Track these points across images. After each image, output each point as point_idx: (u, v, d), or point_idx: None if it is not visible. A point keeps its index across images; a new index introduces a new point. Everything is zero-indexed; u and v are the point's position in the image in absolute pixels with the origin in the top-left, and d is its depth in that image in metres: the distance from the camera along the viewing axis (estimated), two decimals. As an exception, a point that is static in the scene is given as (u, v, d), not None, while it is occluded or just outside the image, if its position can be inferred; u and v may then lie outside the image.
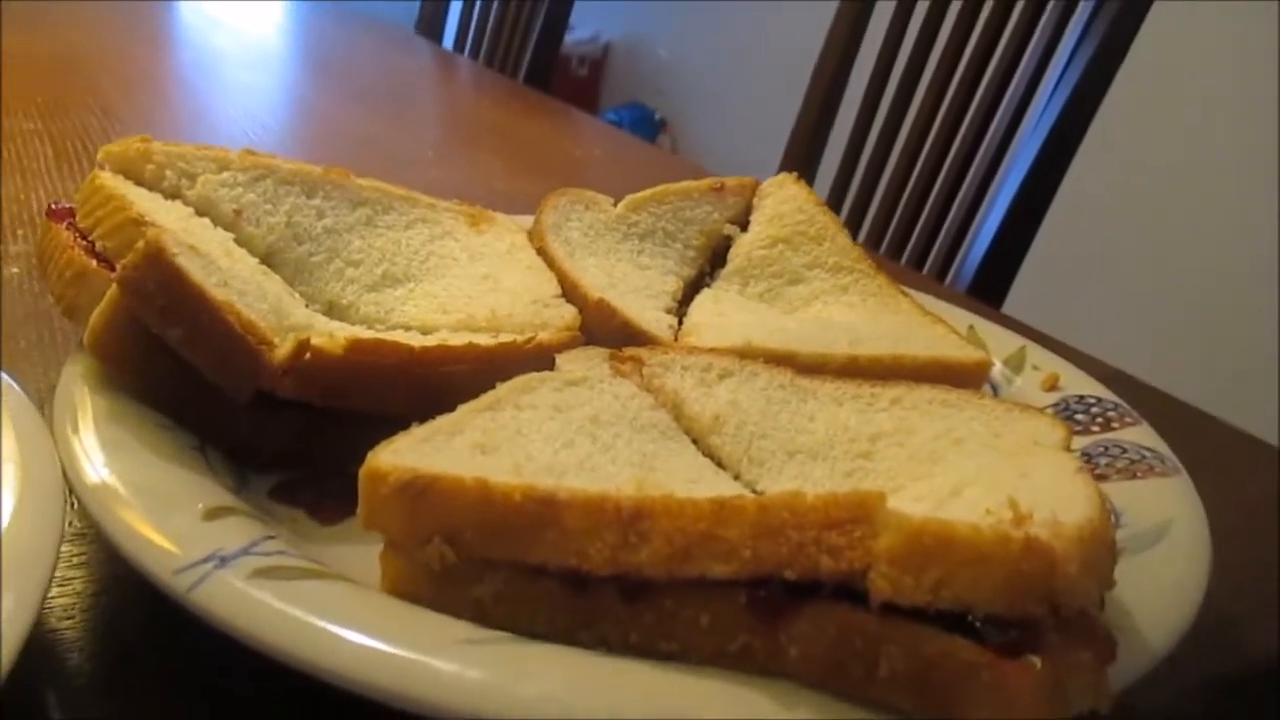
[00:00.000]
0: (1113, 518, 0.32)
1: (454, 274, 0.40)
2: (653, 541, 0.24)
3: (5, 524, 0.25)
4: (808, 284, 0.45)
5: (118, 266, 0.31)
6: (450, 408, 0.30)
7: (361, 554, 0.27)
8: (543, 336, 0.36)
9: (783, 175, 0.51)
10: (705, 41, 3.40)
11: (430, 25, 1.57)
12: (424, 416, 0.29)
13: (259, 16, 1.35)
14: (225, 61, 1.09)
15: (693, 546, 0.24)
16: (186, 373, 0.30)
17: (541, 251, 0.42)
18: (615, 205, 0.47)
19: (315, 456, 0.32)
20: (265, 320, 0.32)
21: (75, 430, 0.29)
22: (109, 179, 0.36)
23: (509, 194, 0.49)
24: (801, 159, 1.06)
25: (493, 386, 0.32)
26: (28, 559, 0.24)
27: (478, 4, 1.52)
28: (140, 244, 0.30)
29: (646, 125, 3.21)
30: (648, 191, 0.47)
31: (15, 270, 0.48)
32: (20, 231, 0.51)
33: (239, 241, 0.37)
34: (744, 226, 0.48)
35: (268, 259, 0.38)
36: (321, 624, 0.23)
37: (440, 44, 1.49)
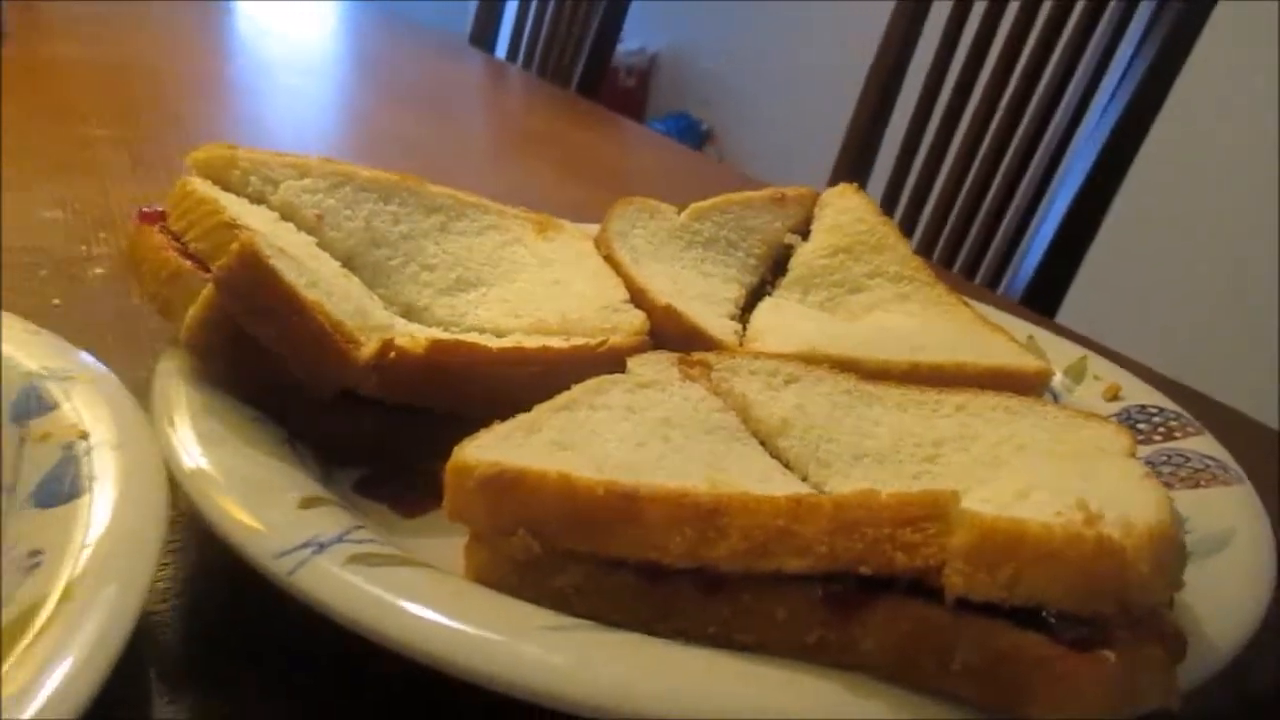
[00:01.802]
0: (1177, 524, 0.32)
1: (524, 279, 0.42)
2: (730, 537, 0.25)
3: (111, 512, 0.26)
4: (869, 292, 0.46)
5: (213, 268, 0.32)
6: (524, 408, 0.31)
7: (444, 545, 0.28)
8: (614, 340, 0.37)
9: (843, 185, 0.52)
10: (751, 52, 3.40)
11: (482, 35, 1.60)
12: (498, 415, 0.30)
13: (311, 22, 1.38)
14: (279, 67, 1.12)
15: (770, 542, 0.25)
16: (277, 369, 0.32)
17: (608, 258, 0.43)
18: (679, 214, 0.48)
19: (396, 452, 0.34)
20: (351, 320, 0.33)
21: (172, 423, 0.30)
22: (198, 184, 0.38)
23: (563, 201, 0.50)
24: (853, 166, 1.07)
25: (565, 388, 0.33)
26: (134, 546, 0.25)
27: (530, 15, 1.54)
28: (234, 246, 0.32)
29: (692, 135, 3.23)
30: (710, 201, 0.48)
31: (100, 271, 0.49)
32: (102, 234, 0.53)
33: (321, 245, 0.38)
34: (805, 236, 0.49)
35: (348, 262, 0.39)
36: (414, 608, 0.24)
37: (493, 54, 1.51)
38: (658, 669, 0.24)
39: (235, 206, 0.37)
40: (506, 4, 1.61)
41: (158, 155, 0.69)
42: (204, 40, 1.20)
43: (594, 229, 0.46)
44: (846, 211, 0.50)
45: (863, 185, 0.52)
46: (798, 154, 3.29)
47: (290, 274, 0.31)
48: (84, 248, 0.51)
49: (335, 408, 0.32)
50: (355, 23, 1.45)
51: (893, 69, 1.05)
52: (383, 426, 0.33)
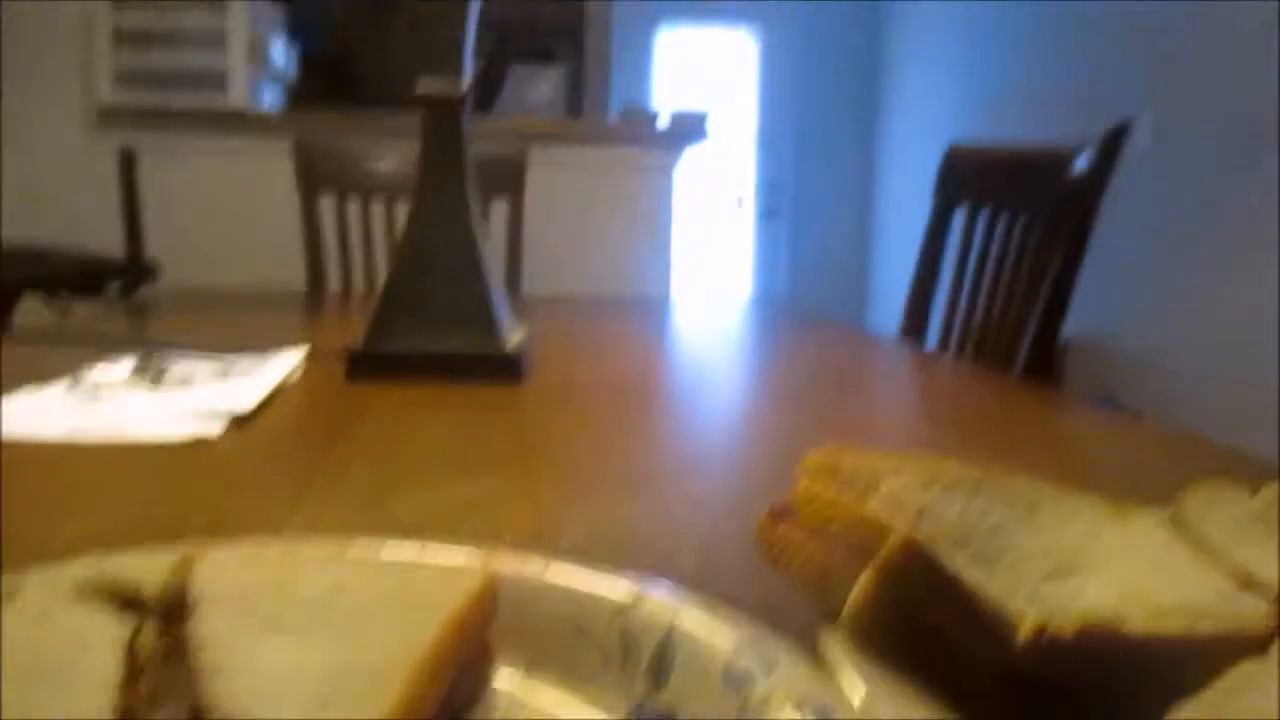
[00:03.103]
0: None
1: (1121, 564, 0.43)
2: None
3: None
4: None
5: (876, 557, 0.37)
6: (1167, 689, 0.32)
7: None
8: (1250, 625, 0.37)
9: None
10: (1171, 330, 3.28)
11: (912, 330, 1.68)
12: (1139, 698, 0.31)
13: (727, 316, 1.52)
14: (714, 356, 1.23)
15: None
16: (939, 649, 0.35)
17: (1199, 541, 0.44)
18: (1251, 496, 0.48)
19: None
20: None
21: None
22: (822, 483, 0.44)
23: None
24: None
25: (1192, 672, 0.34)
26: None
27: (962, 304, 1.61)
28: (894, 539, 0.36)
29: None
30: (1285, 485, 0.48)
31: (691, 561, 0.56)
32: (679, 528, 0.60)
33: (929, 538, 0.43)
34: (1400, 520, 0.47)
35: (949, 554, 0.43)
36: None
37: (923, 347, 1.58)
38: None
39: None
40: (934, 298, 1.69)
41: (688, 461, 0.79)
42: (636, 332, 1.35)
43: (1160, 514, 0.47)
44: None
45: None
46: (1236, 423, 3.06)
47: (950, 561, 0.36)
48: (669, 540, 0.59)
49: (997, 685, 0.35)
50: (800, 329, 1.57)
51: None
52: (1038, 706, 0.36)
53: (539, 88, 5.89)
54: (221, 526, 0.56)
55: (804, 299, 7.30)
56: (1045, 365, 1.39)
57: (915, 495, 0.46)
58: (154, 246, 2.78)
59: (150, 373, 0.91)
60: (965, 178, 1.77)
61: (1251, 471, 0.77)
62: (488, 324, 1.07)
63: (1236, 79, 3.59)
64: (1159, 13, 4.05)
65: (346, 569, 0.37)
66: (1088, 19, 4.58)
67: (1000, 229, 1.62)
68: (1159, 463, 0.82)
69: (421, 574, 0.37)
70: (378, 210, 2.25)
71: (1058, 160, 1.53)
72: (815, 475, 0.47)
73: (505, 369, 1.05)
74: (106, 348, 1.07)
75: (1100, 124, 1.52)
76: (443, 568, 0.38)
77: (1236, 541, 0.46)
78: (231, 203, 3.18)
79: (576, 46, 6.02)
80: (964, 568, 0.38)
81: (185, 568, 0.37)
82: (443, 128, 1.09)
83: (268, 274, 2.88)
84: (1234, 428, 3.19)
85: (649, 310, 2.04)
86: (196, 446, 0.74)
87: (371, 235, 2.23)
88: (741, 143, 7.31)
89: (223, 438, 0.77)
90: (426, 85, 1.08)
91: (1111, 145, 1.46)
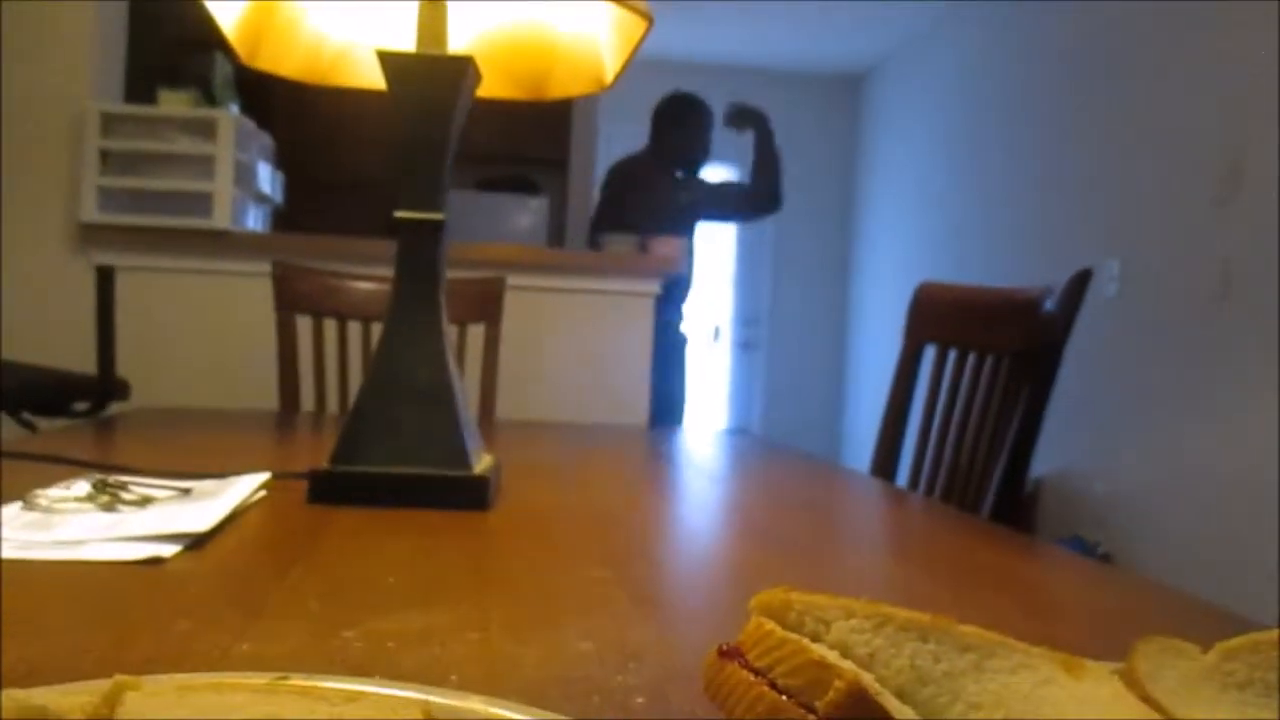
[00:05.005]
0: None
1: (1072, 717, 0.43)
2: None
3: None
4: None
5: (818, 705, 0.37)
6: None
7: None
8: (1197, 785, 0.37)
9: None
10: (1141, 471, 3.30)
11: (883, 467, 1.68)
12: None
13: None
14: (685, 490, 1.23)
15: None
16: (882, 802, 0.35)
17: (1146, 699, 0.44)
18: (1204, 653, 0.48)
19: None
20: (944, 757, 0.36)
21: None
22: (771, 623, 0.43)
23: (1031, 635, 0.52)
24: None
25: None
26: None
27: (931, 446, 1.62)
28: (839, 683, 0.36)
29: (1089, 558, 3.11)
30: (1237, 640, 0.48)
31: (641, 700, 0.55)
32: (631, 665, 0.59)
33: (878, 682, 0.42)
34: (1352, 676, 0.47)
35: (899, 699, 0.42)
36: None
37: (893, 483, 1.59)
38: None
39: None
40: (904, 439, 1.70)
41: (648, 594, 0.78)
42: (652, 486, 1.35)
43: (1113, 668, 0.47)
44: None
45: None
46: (1210, 575, 3.05)
47: (896, 709, 0.35)
48: (620, 678, 0.58)
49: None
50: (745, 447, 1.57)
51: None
52: None
53: (521, 217, 6.00)
54: (163, 654, 0.55)
55: (779, 431, 7.32)
56: (1013, 504, 1.40)
57: (866, 639, 0.46)
58: (128, 365, 2.77)
59: (107, 493, 0.90)
60: (934, 316, 1.81)
61: (1207, 622, 0.76)
62: (455, 448, 1.06)
63: (1197, 231, 3.71)
64: (1124, 168, 4.20)
65: (279, 705, 0.36)
66: (1059, 172, 4.74)
67: (969, 368, 1.64)
68: (1116, 609, 0.81)
69: (357, 713, 0.36)
70: (354, 332, 2.26)
71: (1025, 302, 1.57)
72: (765, 615, 0.46)
73: (471, 494, 1.04)
74: (65, 467, 1.06)
75: (1068, 270, 1.56)
76: (379, 707, 0.37)
77: (1186, 701, 0.45)
78: (209, 323, 3.19)
79: (561, 177, 6.16)
80: (911, 716, 0.37)
81: (114, 698, 0.36)
82: (418, 251, 1.11)
83: (241, 395, 2.87)
84: (1201, 568, 3.18)
85: (623, 439, 2.04)
86: (147, 569, 0.73)
87: (347, 357, 2.23)
88: (719, 275, 7.44)
89: (174, 561, 0.75)
90: (404, 209, 1.10)
91: (1076, 289, 1.50)
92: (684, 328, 4.55)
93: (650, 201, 4.27)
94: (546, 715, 0.39)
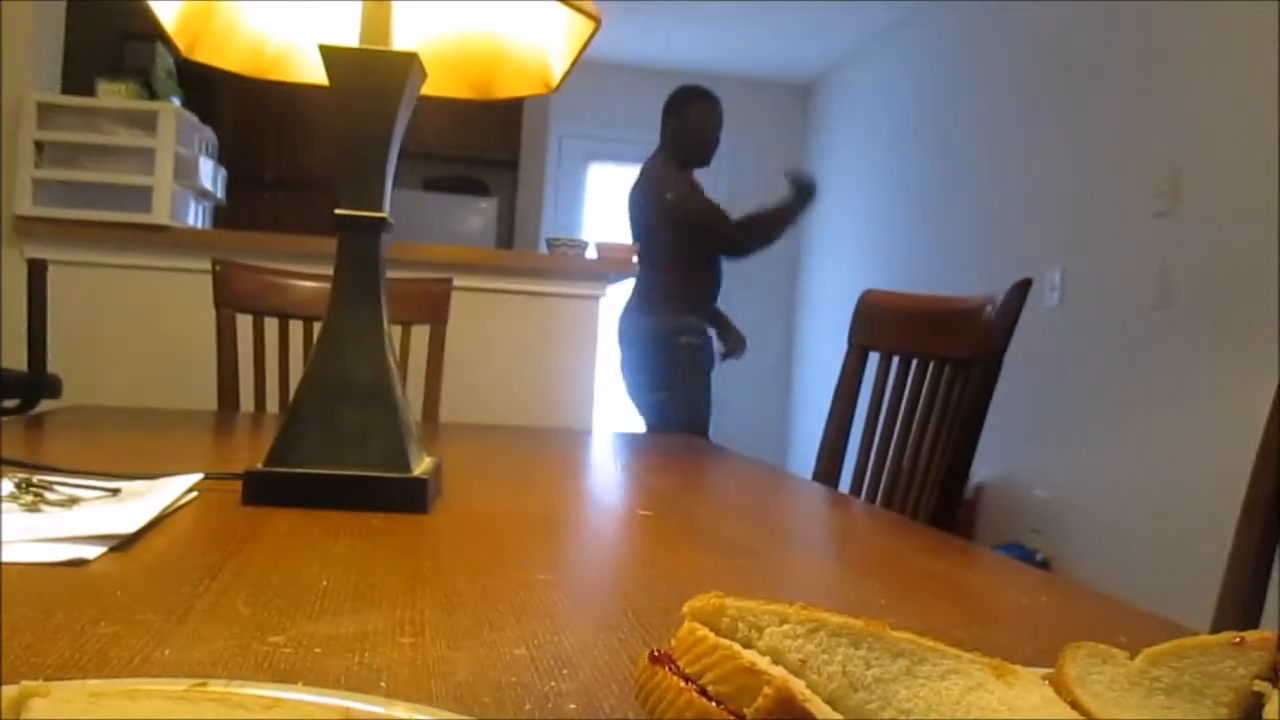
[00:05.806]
0: None
1: (1001, 723, 0.43)
2: None
3: None
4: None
5: (747, 711, 0.36)
6: None
7: None
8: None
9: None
10: (1085, 478, 3.35)
11: (827, 471, 1.69)
12: None
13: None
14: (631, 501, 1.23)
15: None
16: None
17: (1074, 704, 0.44)
18: (1131, 659, 0.48)
19: None
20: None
21: None
22: (703, 629, 0.43)
23: (965, 641, 0.52)
24: (1245, 598, 1.01)
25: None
26: None
27: (873, 452, 1.63)
28: (768, 690, 0.36)
29: (1029, 564, 3.16)
30: (1164, 646, 0.48)
31: (573, 706, 0.54)
32: (565, 670, 0.59)
33: (809, 688, 0.42)
34: (1275, 682, 0.48)
35: (831, 704, 0.42)
36: None
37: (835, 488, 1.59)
38: None
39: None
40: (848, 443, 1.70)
41: (587, 598, 0.77)
42: (581, 489, 1.34)
43: (1043, 673, 0.47)
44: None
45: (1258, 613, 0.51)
46: (1147, 580, 3.11)
47: (824, 715, 0.35)
48: (553, 684, 0.57)
49: None
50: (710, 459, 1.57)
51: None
52: None
53: (471, 218, 5.96)
54: (80, 659, 0.53)
55: (726, 433, 7.34)
56: (953, 509, 1.41)
57: (798, 644, 0.45)
58: (62, 363, 2.71)
59: (31, 493, 0.87)
60: (878, 324, 1.82)
61: (1139, 627, 0.77)
62: (394, 448, 1.05)
63: (1138, 242, 3.78)
64: (1067, 180, 4.27)
65: (196, 711, 0.35)
66: (1005, 182, 4.81)
67: (911, 375, 1.65)
68: (1050, 615, 0.82)
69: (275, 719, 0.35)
70: (296, 331, 2.23)
71: (966, 311, 1.58)
72: (699, 620, 0.46)
73: (409, 496, 1.03)
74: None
75: (1012, 278, 1.58)
76: (298, 714, 0.36)
77: (1112, 705, 0.46)
78: (146, 320, 3.13)
79: (511, 178, 6.13)
80: (838, 723, 0.37)
81: (21, 704, 0.35)
82: (359, 248, 1.09)
83: (179, 394, 2.82)
84: (1139, 572, 3.24)
85: (568, 442, 2.03)
86: (69, 571, 0.71)
87: (288, 357, 2.20)
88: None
89: (99, 563, 0.73)
90: (345, 206, 1.08)
91: (1017, 298, 1.52)
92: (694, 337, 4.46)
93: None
94: (472, 722, 0.38)
